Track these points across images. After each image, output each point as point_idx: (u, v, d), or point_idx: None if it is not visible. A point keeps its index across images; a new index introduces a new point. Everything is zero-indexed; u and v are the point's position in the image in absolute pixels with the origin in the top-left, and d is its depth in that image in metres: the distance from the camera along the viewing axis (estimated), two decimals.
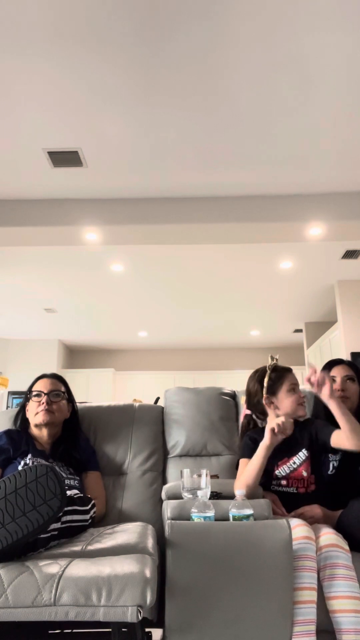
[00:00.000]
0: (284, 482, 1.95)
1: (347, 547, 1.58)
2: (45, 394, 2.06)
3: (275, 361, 2.06)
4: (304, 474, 1.94)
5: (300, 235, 4.73)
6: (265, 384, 2.01)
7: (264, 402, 2.01)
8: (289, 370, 2.04)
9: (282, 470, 1.96)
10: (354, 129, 3.65)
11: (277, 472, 1.96)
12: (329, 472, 2.04)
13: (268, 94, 3.31)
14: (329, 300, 7.51)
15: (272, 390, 2.00)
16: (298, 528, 1.58)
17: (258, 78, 3.18)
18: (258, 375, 2.07)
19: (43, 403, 2.04)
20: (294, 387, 1.99)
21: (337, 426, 2.02)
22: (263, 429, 1.98)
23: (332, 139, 3.77)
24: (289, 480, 1.94)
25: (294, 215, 4.53)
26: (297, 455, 1.97)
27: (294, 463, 1.96)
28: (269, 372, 2.03)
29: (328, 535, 1.60)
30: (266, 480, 1.95)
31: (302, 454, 1.97)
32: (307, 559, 1.52)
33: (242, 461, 1.97)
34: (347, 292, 6.64)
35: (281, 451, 1.95)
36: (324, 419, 2.16)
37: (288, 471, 1.95)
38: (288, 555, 1.46)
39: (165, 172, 4.18)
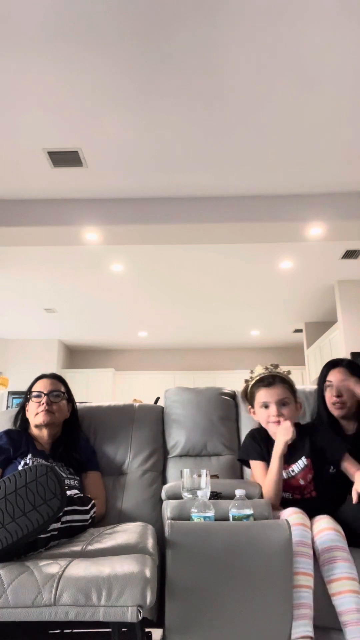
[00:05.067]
0: None
1: (342, 532, 1.59)
2: (45, 394, 2.06)
3: (256, 374, 2.05)
4: (301, 482, 1.91)
5: (300, 235, 4.73)
6: (247, 395, 2.08)
7: (248, 411, 2.09)
8: (267, 384, 1.99)
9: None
10: (354, 129, 3.65)
11: None
12: (331, 471, 2.02)
13: (268, 94, 3.31)
14: (329, 300, 7.51)
15: (251, 402, 2.06)
16: (294, 515, 1.59)
17: (258, 78, 3.18)
18: (244, 388, 2.11)
19: (43, 404, 2.04)
20: (267, 404, 1.96)
21: (339, 434, 2.04)
22: (263, 431, 1.99)
23: (332, 139, 3.77)
24: (285, 486, 1.91)
25: (294, 215, 4.53)
26: (296, 463, 1.94)
27: (292, 471, 1.93)
28: (249, 384, 2.06)
29: (325, 520, 1.60)
30: None
31: (302, 462, 1.93)
32: (302, 545, 1.52)
33: (256, 465, 1.95)
34: (347, 292, 6.64)
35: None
36: (327, 423, 2.15)
37: (285, 477, 1.92)
38: (288, 555, 1.46)
39: (165, 172, 4.18)
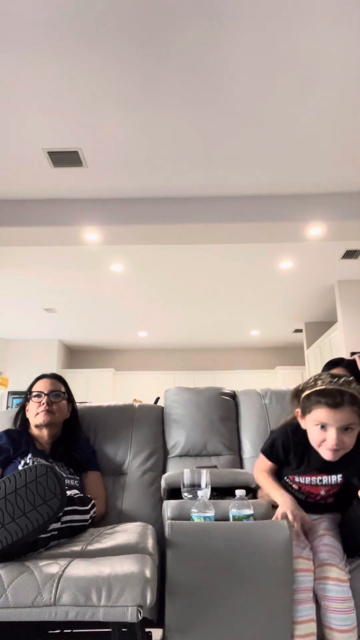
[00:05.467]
0: (295, 486, 1.79)
1: (343, 576, 1.52)
2: (45, 394, 2.06)
3: (324, 384, 1.65)
4: (322, 492, 1.76)
5: (300, 235, 4.73)
6: (300, 400, 1.73)
7: (296, 414, 1.77)
8: (332, 404, 1.60)
9: (303, 479, 1.76)
10: (354, 129, 3.65)
11: (297, 478, 1.77)
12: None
13: (268, 94, 3.31)
14: (329, 300, 7.51)
15: (303, 411, 1.71)
16: (296, 560, 1.53)
17: (258, 78, 3.18)
18: (299, 387, 1.75)
19: (43, 404, 2.04)
20: (324, 426, 1.62)
21: None
22: (301, 433, 1.74)
23: (332, 139, 3.77)
24: (302, 488, 1.78)
25: (294, 215, 4.53)
26: (329, 477, 1.73)
27: (320, 481, 1.74)
28: (307, 391, 1.69)
29: (321, 568, 1.54)
30: (280, 472, 1.81)
31: (335, 478, 1.73)
32: (302, 592, 1.49)
33: (265, 462, 1.81)
34: (347, 292, 6.65)
35: (316, 463, 1.71)
36: None
37: (308, 483, 1.76)
38: (288, 555, 1.46)
39: (165, 172, 4.18)
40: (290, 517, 1.59)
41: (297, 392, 1.75)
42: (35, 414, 2.04)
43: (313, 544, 1.64)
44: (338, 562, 1.55)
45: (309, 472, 1.74)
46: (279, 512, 1.63)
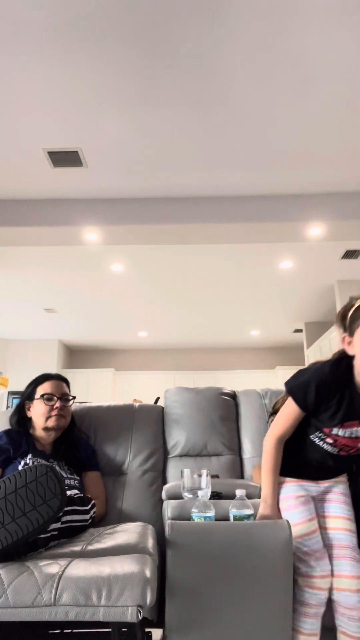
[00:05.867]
0: (330, 440, 1.62)
1: (357, 586, 1.50)
2: (58, 398, 2.05)
3: None
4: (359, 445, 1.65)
5: (300, 235, 4.73)
6: (346, 318, 1.58)
7: (341, 340, 1.60)
8: None
9: (342, 431, 1.60)
10: (354, 129, 3.65)
11: (335, 430, 1.60)
12: None
13: (268, 93, 3.31)
14: (329, 300, 7.51)
15: (351, 330, 1.55)
16: (317, 579, 1.50)
17: (258, 78, 3.18)
18: (344, 308, 1.61)
19: (56, 407, 2.02)
20: None
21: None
22: (342, 367, 1.58)
23: (332, 139, 3.77)
24: (338, 442, 1.63)
25: (294, 215, 4.53)
26: None
27: (359, 431, 1.61)
28: (356, 304, 1.55)
29: (337, 579, 1.53)
30: (309, 429, 1.66)
31: None
32: (313, 607, 1.48)
33: (294, 410, 1.61)
34: (347, 292, 6.64)
35: (355, 411, 1.58)
36: None
37: (347, 435, 1.61)
38: (288, 555, 1.46)
39: (165, 172, 4.18)
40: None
41: (344, 311, 1.59)
42: (47, 417, 2.02)
43: (327, 534, 1.61)
44: (353, 566, 1.53)
45: (348, 421, 1.58)
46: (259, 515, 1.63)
